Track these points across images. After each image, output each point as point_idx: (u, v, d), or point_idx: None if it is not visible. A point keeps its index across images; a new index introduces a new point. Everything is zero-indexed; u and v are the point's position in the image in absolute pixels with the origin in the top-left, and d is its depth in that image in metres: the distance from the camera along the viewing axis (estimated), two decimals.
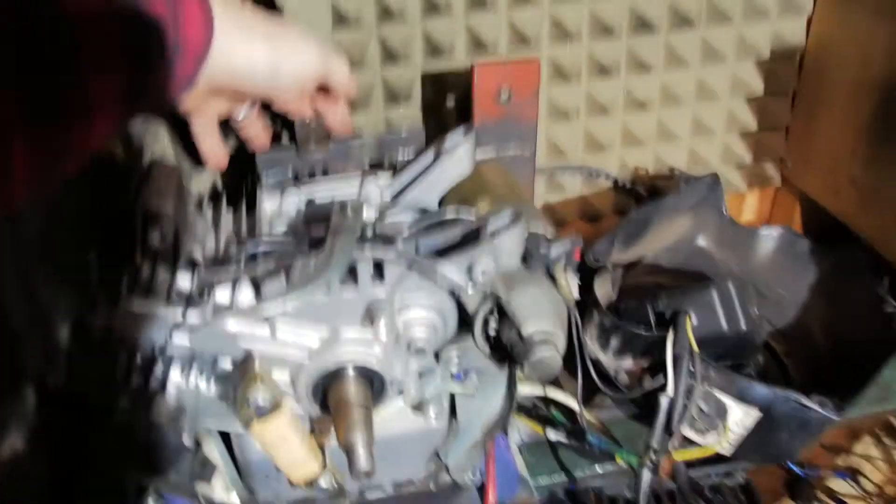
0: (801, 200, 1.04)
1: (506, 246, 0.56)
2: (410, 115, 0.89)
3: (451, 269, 0.56)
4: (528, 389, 0.75)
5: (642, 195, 0.99)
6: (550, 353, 0.57)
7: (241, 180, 0.78)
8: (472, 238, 0.58)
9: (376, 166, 0.76)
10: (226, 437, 0.67)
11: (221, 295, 0.58)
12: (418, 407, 0.65)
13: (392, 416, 0.66)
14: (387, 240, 0.58)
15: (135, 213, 0.55)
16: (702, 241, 0.96)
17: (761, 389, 0.68)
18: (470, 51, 0.85)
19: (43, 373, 0.53)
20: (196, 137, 0.70)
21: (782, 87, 0.98)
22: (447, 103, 0.90)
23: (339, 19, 0.81)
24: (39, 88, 0.37)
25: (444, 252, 0.58)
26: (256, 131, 0.73)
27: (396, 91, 0.86)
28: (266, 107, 0.72)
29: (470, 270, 0.56)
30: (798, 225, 1.06)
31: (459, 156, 0.66)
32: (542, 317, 0.58)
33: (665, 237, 0.92)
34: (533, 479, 0.74)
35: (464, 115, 0.90)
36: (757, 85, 0.97)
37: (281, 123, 0.76)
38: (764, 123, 1.00)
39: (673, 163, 0.99)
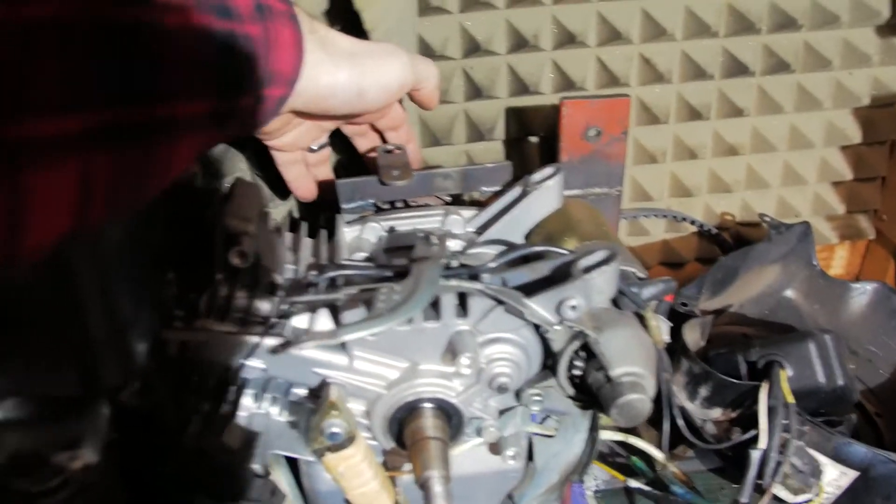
0: (895, 254, 1.00)
1: (599, 283, 0.53)
2: (492, 149, 0.88)
3: (540, 305, 0.54)
4: (607, 435, 0.72)
5: (728, 243, 0.95)
6: (639, 397, 0.54)
7: (319, 209, 0.78)
8: (562, 274, 0.55)
9: (457, 201, 0.75)
10: (293, 467, 0.66)
11: (300, 320, 0.57)
12: (495, 447, 0.63)
13: (467, 455, 0.64)
14: (472, 272, 0.56)
15: (215, 232, 0.54)
16: (790, 293, 0.92)
17: (859, 449, 0.64)
18: (556, 88, 0.84)
19: (118, 390, 0.52)
20: (281, 167, 0.71)
21: (880, 136, 0.94)
22: (530, 140, 0.89)
23: (426, 51, 0.81)
24: (126, 108, 0.36)
25: (531, 287, 0.56)
26: (325, 168, 0.74)
27: (479, 125, 0.85)
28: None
29: (559, 307, 0.54)
30: (892, 280, 1.00)
31: (548, 190, 0.64)
32: (632, 359, 0.55)
33: (752, 287, 0.89)
34: None
35: (547, 152, 0.89)
36: (853, 133, 0.93)
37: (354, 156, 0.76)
38: (859, 173, 0.96)
39: (761, 211, 0.95)
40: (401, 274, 0.56)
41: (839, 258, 1.05)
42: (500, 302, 0.55)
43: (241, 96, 0.48)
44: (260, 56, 0.48)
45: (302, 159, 0.72)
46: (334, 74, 0.58)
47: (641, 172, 0.92)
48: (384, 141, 0.73)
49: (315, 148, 0.72)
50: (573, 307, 0.53)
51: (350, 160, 0.81)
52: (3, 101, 0.30)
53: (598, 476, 0.76)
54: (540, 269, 0.56)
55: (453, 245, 0.63)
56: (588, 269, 0.53)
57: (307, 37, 0.54)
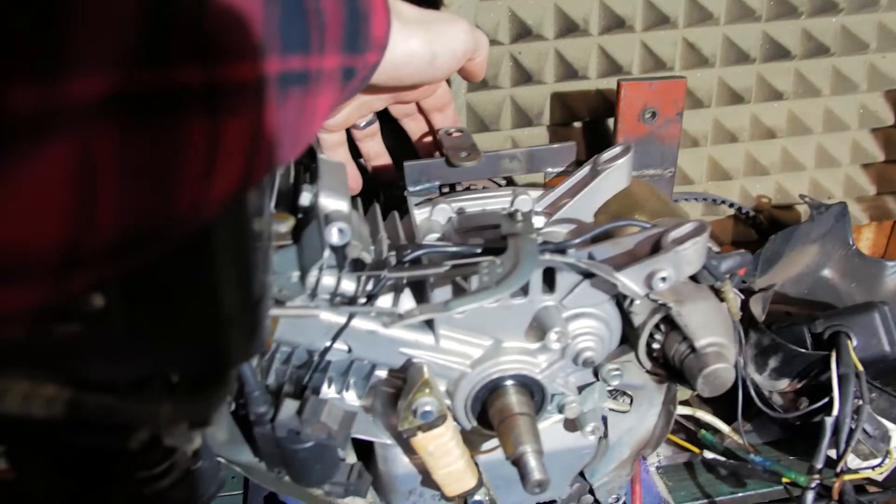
0: None
1: (689, 255, 0.54)
2: (537, 135, 0.89)
3: (630, 277, 0.54)
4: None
5: (763, 225, 0.97)
6: (724, 366, 0.55)
7: (376, 194, 0.77)
8: (647, 248, 0.56)
9: (511, 184, 0.75)
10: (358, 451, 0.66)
11: (385, 299, 0.57)
12: (573, 423, 0.63)
13: (543, 431, 0.64)
14: (559, 247, 0.57)
15: (314, 210, 0.54)
16: (827, 272, 0.93)
17: None
18: (602, 72, 0.85)
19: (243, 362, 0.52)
20: (326, 150, 0.71)
21: None
22: (574, 125, 0.90)
23: None
24: (285, 58, 0.37)
25: (616, 261, 0.56)
26: (377, 146, 0.74)
27: (526, 110, 0.86)
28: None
29: (650, 279, 0.54)
30: None
31: (619, 169, 0.65)
32: (714, 330, 0.56)
33: (793, 267, 0.90)
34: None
35: (591, 136, 0.89)
36: (886, 115, 0.95)
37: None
38: (890, 155, 0.98)
39: (796, 193, 0.97)
40: (493, 250, 0.56)
41: (866, 239, 1.07)
42: (588, 276, 0.56)
43: (358, 54, 0.48)
44: (367, 18, 0.49)
45: (346, 142, 0.72)
46: (408, 42, 0.58)
47: (683, 156, 0.92)
48: (429, 124, 0.74)
49: (362, 125, 0.72)
50: (664, 279, 0.54)
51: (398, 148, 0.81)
52: (222, 43, 0.31)
53: (660, 452, 0.76)
54: (624, 244, 0.57)
55: (537, 222, 0.64)
56: (679, 241, 0.54)
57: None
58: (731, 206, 0.96)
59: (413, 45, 0.58)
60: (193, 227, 0.33)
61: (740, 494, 0.73)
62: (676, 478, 0.75)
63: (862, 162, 0.99)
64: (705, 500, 0.72)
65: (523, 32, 0.81)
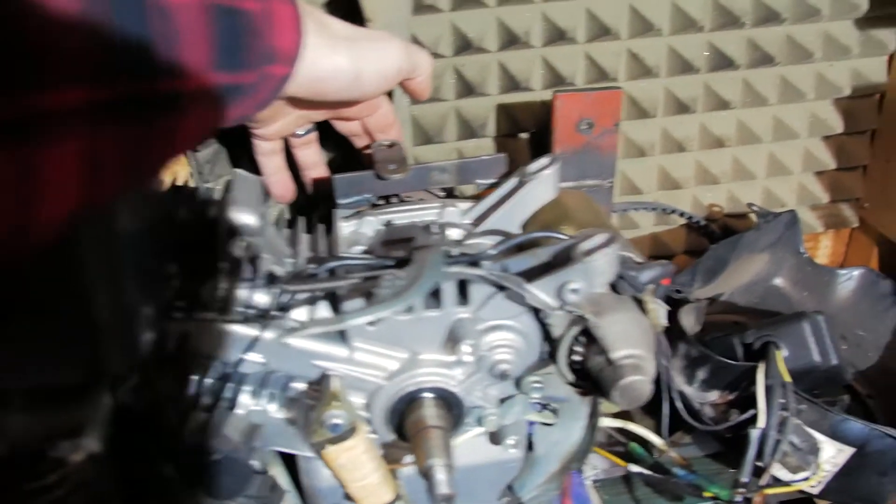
0: (878, 242, 1.01)
1: (600, 266, 0.54)
2: (483, 147, 0.89)
3: (542, 289, 0.54)
4: (606, 422, 0.72)
5: (716, 234, 0.96)
6: (640, 378, 0.55)
7: (312, 207, 0.78)
8: (562, 259, 0.56)
9: (451, 196, 0.75)
10: (290, 465, 0.66)
11: (300, 312, 0.57)
12: (496, 436, 0.63)
13: (467, 445, 0.64)
14: (472, 259, 0.57)
15: (218, 223, 0.54)
16: (778, 281, 0.93)
17: (855, 425, 0.65)
18: (546, 84, 0.85)
19: (120, 380, 0.52)
20: (260, 157, 0.71)
21: (861, 126, 0.96)
22: (520, 136, 0.90)
23: None
24: (130, 83, 0.37)
25: (532, 273, 0.56)
26: (313, 155, 0.74)
27: (471, 123, 0.86)
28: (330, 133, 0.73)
29: (561, 290, 0.54)
30: (875, 267, 1.02)
31: (545, 180, 0.65)
32: (632, 341, 0.56)
33: (742, 276, 0.90)
34: None
35: (537, 147, 0.89)
36: (835, 123, 0.95)
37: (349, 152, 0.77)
38: (841, 162, 0.98)
39: (747, 201, 0.97)
40: (402, 262, 0.56)
41: (824, 247, 1.07)
42: (501, 288, 0.56)
43: (243, 71, 0.48)
44: (260, 32, 0.48)
45: (281, 151, 0.72)
46: (332, 58, 0.57)
47: (630, 166, 0.93)
48: None
49: (301, 133, 0.72)
50: (574, 290, 0.54)
51: (344, 159, 0.81)
52: (11, 74, 0.30)
53: (598, 465, 0.76)
54: (540, 255, 0.57)
55: (452, 234, 0.63)
56: (589, 252, 0.54)
57: (305, 18, 0.54)
58: (682, 215, 0.95)
59: (338, 62, 0.58)
60: (30, 250, 0.33)
61: None
62: (613, 492, 0.74)
63: (814, 170, 0.98)
64: None
65: (465, 45, 0.81)
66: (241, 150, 0.73)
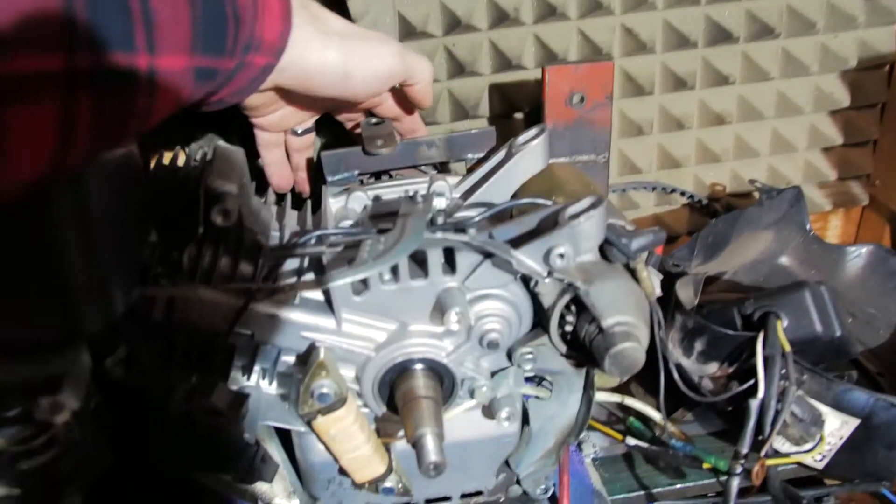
0: (890, 220, 0.99)
1: (585, 230, 0.53)
2: (477, 127, 0.88)
3: (528, 255, 0.53)
4: (604, 397, 0.71)
5: (719, 213, 0.95)
6: (633, 345, 0.53)
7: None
8: (549, 225, 0.55)
9: (444, 169, 0.75)
10: (285, 443, 0.65)
11: (286, 282, 0.57)
12: (489, 409, 0.62)
13: (461, 419, 0.63)
14: (458, 226, 0.56)
15: (199, 191, 0.53)
16: (784, 259, 0.91)
17: (861, 395, 0.63)
18: (539, 62, 0.84)
19: (107, 349, 0.52)
20: (261, 148, 0.71)
21: (870, 100, 0.94)
22: (515, 116, 0.89)
23: (407, 29, 0.80)
24: (106, 55, 0.38)
25: (519, 241, 0.55)
26: (307, 154, 0.75)
27: (464, 103, 0.85)
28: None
29: (548, 256, 0.53)
30: (888, 246, 1.00)
31: (534, 150, 0.64)
32: (623, 308, 0.55)
33: (745, 253, 0.88)
34: (608, 495, 0.69)
35: (533, 125, 0.88)
36: (842, 97, 0.93)
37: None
38: (850, 138, 0.96)
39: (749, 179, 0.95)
40: (386, 231, 0.55)
41: (833, 226, 1.05)
42: (487, 256, 0.55)
43: (223, 57, 0.48)
44: (245, 20, 0.48)
45: (283, 143, 0.72)
46: (322, 52, 0.57)
47: (628, 145, 0.91)
48: None
49: (299, 132, 0.72)
50: (561, 255, 0.53)
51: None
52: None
53: (597, 443, 0.74)
54: (527, 222, 0.56)
55: (439, 203, 0.63)
56: (574, 216, 0.53)
57: (298, 11, 0.54)
58: (684, 194, 0.94)
59: (328, 57, 0.58)
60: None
61: (678, 486, 0.71)
62: (613, 469, 0.73)
63: (821, 146, 0.97)
64: (642, 492, 0.70)
65: (455, 24, 0.80)
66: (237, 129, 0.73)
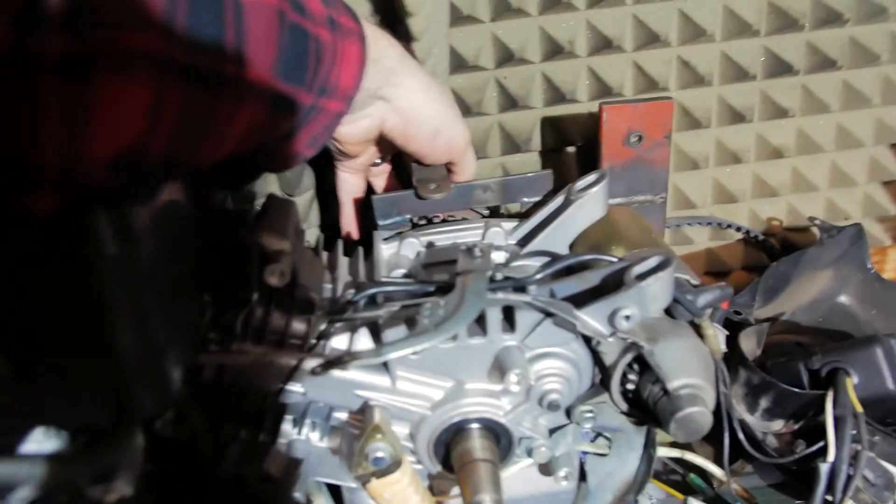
0: None
1: (654, 291, 0.50)
2: (528, 161, 0.86)
3: (592, 316, 0.51)
4: (663, 452, 0.68)
5: (775, 249, 0.92)
6: (699, 410, 0.51)
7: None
8: (613, 283, 0.53)
9: (496, 214, 0.73)
10: (335, 495, 0.64)
11: (339, 341, 0.55)
12: (546, 467, 0.60)
13: (518, 475, 0.61)
14: (518, 284, 0.54)
15: (251, 251, 0.52)
16: (844, 298, 0.88)
17: None
18: (593, 95, 0.82)
19: (153, 418, 0.51)
20: (343, 198, 0.73)
21: None
22: (567, 150, 0.87)
23: (458, 62, 0.78)
24: (201, 54, 0.40)
25: (581, 298, 0.53)
26: (385, 182, 0.76)
27: (515, 137, 0.83)
28: None
29: (612, 317, 0.51)
30: None
31: (593, 198, 0.62)
32: (690, 370, 0.53)
33: (804, 294, 0.85)
34: None
35: (586, 161, 0.86)
36: None
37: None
38: None
39: (809, 215, 0.92)
40: (444, 289, 0.53)
41: (892, 260, 1.01)
42: (548, 315, 0.53)
43: (301, 89, 0.50)
44: (325, 60, 0.51)
45: (362, 191, 0.74)
46: (425, 105, 0.62)
47: (683, 179, 0.89)
48: None
49: (378, 162, 0.73)
50: (627, 317, 0.51)
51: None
52: (97, 15, 0.34)
53: (654, 496, 0.72)
54: (589, 279, 0.54)
55: (497, 257, 0.61)
56: (642, 277, 0.50)
57: (403, 59, 0.60)
58: (739, 229, 0.91)
59: (428, 112, 0.63)
60: (79, 189, 0.36)
61: None
62: None
63: (881, 179, 0.93)
64: None
65: (507, 56, 0.78)
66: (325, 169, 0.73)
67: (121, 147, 0.37)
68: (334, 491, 0.63)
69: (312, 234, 0.80)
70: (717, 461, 0.67)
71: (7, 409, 0.37)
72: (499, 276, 0.55)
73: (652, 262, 0.52)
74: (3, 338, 0.35)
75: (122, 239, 0.37)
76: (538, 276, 0.54)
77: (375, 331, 0.55)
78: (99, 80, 0.35)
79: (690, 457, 0.67)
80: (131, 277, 0.38)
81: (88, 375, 0.38)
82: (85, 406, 0.39)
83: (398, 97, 0.61)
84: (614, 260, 0.54)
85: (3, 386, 0.36)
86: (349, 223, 0.74)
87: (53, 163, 0.35)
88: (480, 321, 0.53)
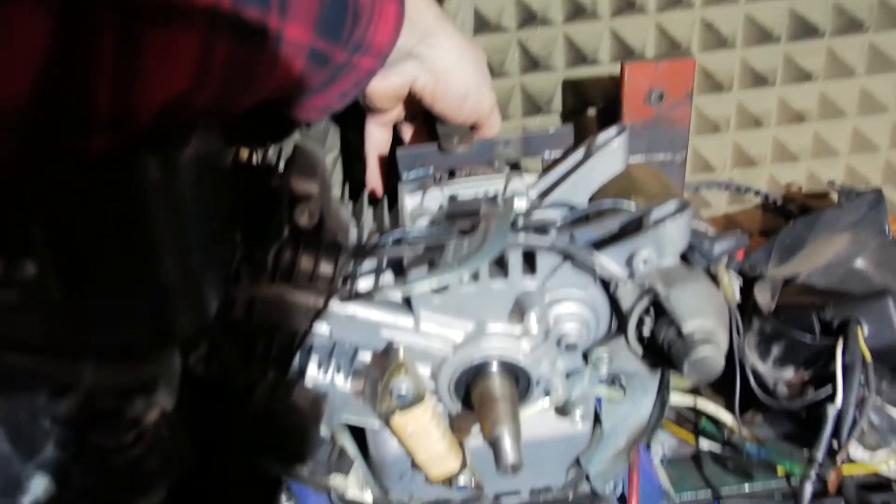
0: None
1: (670, 236, 0.52)
2: (549, 123, 0.88)
3: (611, 258, 0.53)
4: (676, 399, 0.70)
5: (794, 214, 0.93)
6: (712, 352, 0.53)
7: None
8: (631, 229, 0.54)
9: (517, 168, 0.74)
10: (358, 436, 0.66)
11: (365, 282, 0.57)
12: (563, 409, 0.62)
13: (534, 418, 0.63)
14: (539, 229, 0.55)
15: (282, 193, 0.54)
16: (860, 263, 0.88)
17: None
18: (615, 57, 0.83)
19: (190, 345, 0.53)
20: (369, 152, 0.75)
21: None
22: (588, 112, 0.88)
23: (481, 22, 0.80)
24: (246, 6, 0.42)
25: (600, 243, 0.55)
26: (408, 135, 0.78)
27: (536, 98, 0.85)
28: None
29: (630, 261, 0.52)
30: None
31: (613, 151, 0.63)
32: (704, 314, 0.54)
33: (821, 256, 0.86)
34: (676, 495, 0.69)
35: (606, 123, 0.87)
36: None
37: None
38: None
39: (829, 180, 0.93)
40: (467, 233, 0.55)
41: None
42: (568, 258, 0.55)
43: (337, 45, 0.52)
44: (362, 19, 0.52)
45: (387, 148, 0.76)
46: (456, 67, 0.65)
47: (703, 142, 0.90)
48: None
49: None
50: (645, 260, 0.52)
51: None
52: None
53: (666, 443, 0.74)
54: (608, 225, 0.55)
55: (519, 205, 0.63)
56: (660, 221, 0.52)
57: (440, 20, 0.62)
58: (758, 194, 0.92)
59: (462, 78, 0.65)
60: (131, 131, 0.38)
61: (746, 488, 0.70)
62: (681, 469, 0.72)
63: None
64: (709, 492, 0.70)
65: (529, 17, 0.80)
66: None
67: (170, 95, 0.39)
68: (355, 431, 0.66)
69: (337, 192, 0.82)
70: (730, 409, 0.69)
71: (59, 329, 0.40)
72: (520, 222, 0.57)
73: (670, 206, 0.53)
74: (55, 263, 0.37)
75: (166, 170, 0.39)
76: (559, 223, 0.56)
77: (400, 271, 0.57)
78: (151, 29, 0.37)
79: (703, 404, 0.69)
80: (174, 206, 0.40)
81: (133, 297, 0.40)
82: (129, 326, 0.41)
83: (432, 57, 0.63)
84: (632, 206, 0.56)
85: (56, 309, 0.38)
86: (374, 177, 0.76)
87: (108, 107, 0.37)
88: (501, 265, 0.55)
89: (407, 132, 0.78)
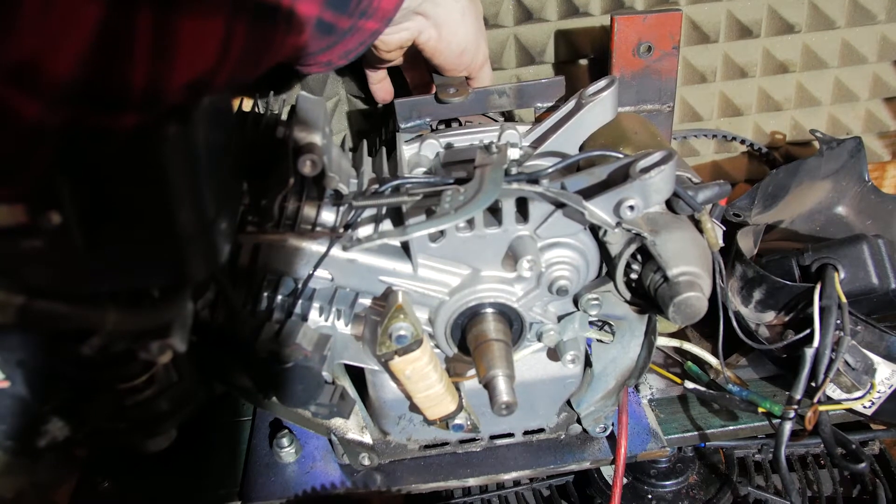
0: None
1: (656, 183, 0.54)
2: (542, 73, 0.89)
3: (599, 206, 0.55)
4: (662, 342, 0.73)
5: (779, 162, 0.95)
6: (696, 295, 0.55)
7: (377, 128, 0.79)
8: (619, 177, 0.57)
9: (511, 119, 0.76)
10: (358, 380, 0.69)
11: (365, 229, 0.60)
12: (555, 351, 0.65)
13: (527, 360, 0.66)
14: (532, 178, 0.58)
15: (285, 143, 0.56)
16: (841, 209, 0.91)
17: None
18: (606, 8, 0.84)
19: (200, 289, 0.55)
20: (370, 74, 0.79)
21: None
22: (580, 62, 0.89)
23: None
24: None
25: (589, 192, 0.57)
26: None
27: (530, 49, 0.86)
28: None
29: (618, 207, 0.55)
30: None
31: (603, 102, 0.65)
32: (688, 259, 0.57)
33: (803, 203, 0.89)
34: (663, 434, 0.72)
35: (597, 73, 0.89)
36: None
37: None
38: None
39: (812, 128, 0.95)
40: (462, 181, 0.57)
41: (891, 176, 1.04)
42: (559, 206, 0.57)
43: (343, 15, 0.55)
44: None
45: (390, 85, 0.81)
46: (459, 23, 0.68)
47: (691, 92, 0.92)
48: None
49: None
50: (631, 207, 0.54)
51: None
52: None
53: (653, 385, 0.77)
54: (597, 174, 0.57)
55: (512, 154, 0.64)
56: (645, 170, 0.54)
57: None
58: (744, 142, 0.94)
59: (462, 34, 0.69)
60: (161, 107, 0.40)
61: (731, 427, 0.74)
62: (668, 410, 0.76)
63: (883, 96, 0.96)
64: (695, 432, 0.73)
65: None
66: None
67: (196, 74, 0.41)
68: (354, 374, 0.68)
69: (338, 139, 0.83)
70: (714, 353, 0.72)
71: (82, 276, 0.42)
72: (513, 171, 0.59)
73: (655, 156, 0.55)
74: (77, 211, 0.39)
75: (180, 123, 0.41)
76: (550, 171, 0.58)
77: (399, 219, 0.59)
78: (184, 14, 0.39)
79: (688, 346, 0.72)
80: (189, 156, 0.42)
81: (149, 243, 0.42)
82: (148, 272, 0.43)
83: (437, 15, 0.67)
84: (620, 155, 0.58)
85: (77, 255, 0.40)
86: (380, 91, 0.81)
87: (141, 88, 0.39)
88: (495, 212, 0.57)
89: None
